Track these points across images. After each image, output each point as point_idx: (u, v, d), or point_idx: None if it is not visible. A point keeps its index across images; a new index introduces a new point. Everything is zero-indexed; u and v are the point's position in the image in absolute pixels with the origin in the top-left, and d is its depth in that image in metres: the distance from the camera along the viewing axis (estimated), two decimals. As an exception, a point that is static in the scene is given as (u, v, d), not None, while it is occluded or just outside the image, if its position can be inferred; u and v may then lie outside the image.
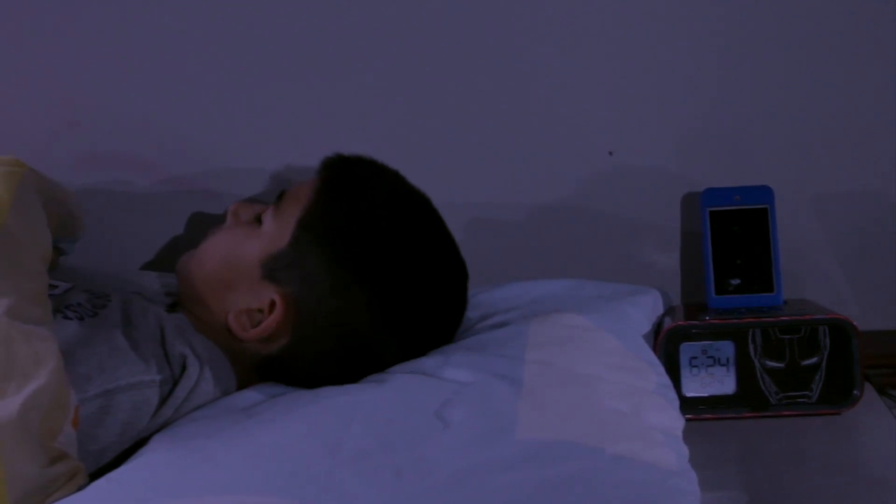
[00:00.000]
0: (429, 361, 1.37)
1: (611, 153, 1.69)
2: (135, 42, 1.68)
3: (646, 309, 1.56)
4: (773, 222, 1.61)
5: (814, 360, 1.51)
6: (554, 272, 1.65)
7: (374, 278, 1.37)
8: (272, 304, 1.38)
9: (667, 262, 1.72)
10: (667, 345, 1.51)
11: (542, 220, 1.73)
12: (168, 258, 1.73)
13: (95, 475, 1.17)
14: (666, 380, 1.38)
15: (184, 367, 1.31)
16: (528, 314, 1.49)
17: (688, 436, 1.27)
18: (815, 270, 1.70)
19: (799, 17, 1.65)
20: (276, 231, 1.39)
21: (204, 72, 1.69)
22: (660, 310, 1.60)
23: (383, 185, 1.43)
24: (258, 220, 1.43)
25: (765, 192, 1.62)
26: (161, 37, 1.68)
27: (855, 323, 1.50)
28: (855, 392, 1.49)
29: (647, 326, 1.53)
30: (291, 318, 1.37)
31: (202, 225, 1.71)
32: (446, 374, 1.33)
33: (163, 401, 1.27)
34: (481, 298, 1.56)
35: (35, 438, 1.12)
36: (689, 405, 1.48)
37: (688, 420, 1.32)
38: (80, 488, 1.14)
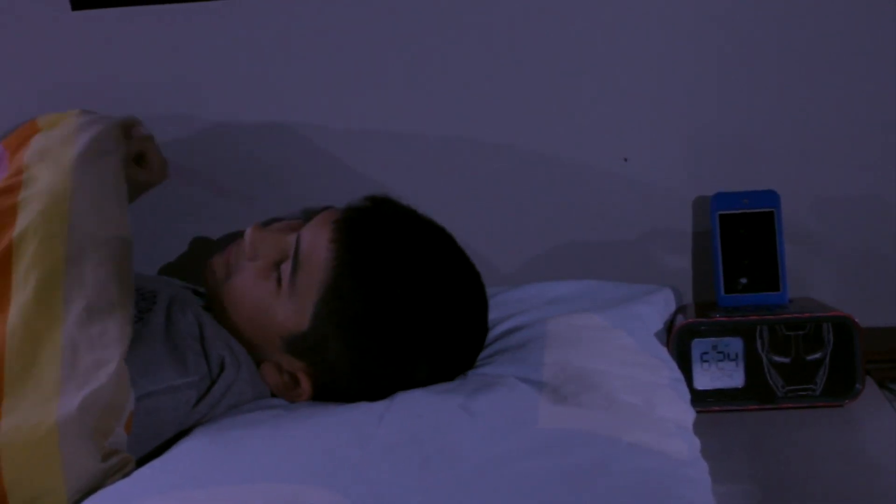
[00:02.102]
0: None
1: (626, 160, 1.69)
2: (156, 47, 1.68)
3: (658, 307, 1.57)
4: (779, 225, 1.61)
5: (818, 355, 1.51)
6: (571, 272, 1.67)
7: (398, 362, 1.33)
8: (297, 377, 1.36)
9: (678, 263, 1.71)
10: (679, 341, 1.52)
11: (560, 223, 1.72)
12: (189, 259, 1.74)
13: (137, 464, 1.20)
14: (678, 374, 1.40)
15: (222, 368, 1.32)
16: (545, 315, 1.49)
17: (699, 427, 1.28)
18: (818, 270, 1.69)
19: (802, 34, 1.64)
20: (295, 311, 1.33)
21: (219, 73, 1.69)
22: (672, 308, 1.61)
23: (400, 250, 1.34)
24: (276, 270, 1.36)
25: (771, 197, 1.62)
26: (187, 44, 1.68)
27: (857, 320, 1.50)
28: (857, 385, 1.50)
29: (659, 324, 1.55)
30: (318, 387, 1.36)
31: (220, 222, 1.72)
32: (471, 374, 1.36)
33: (200, 398, 1.29)
34: (501, 299, 1.56)
35: (91, 435, 1.14)
36: (699, 398, 1.49)
37: (699, 412, 1.33)
38: (125, 475, 1.16)
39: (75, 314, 1.23)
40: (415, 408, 1.26)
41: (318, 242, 1.34)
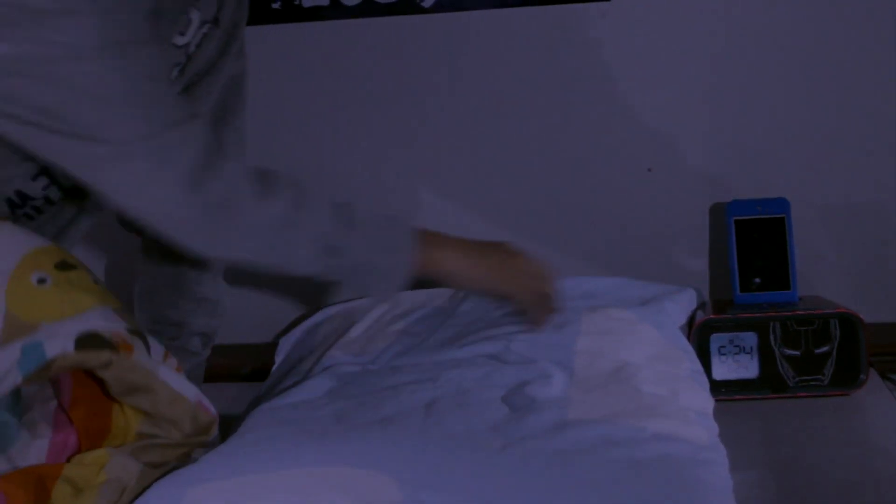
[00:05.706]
0: (492, 346, 1.44)
1: (650, 170, 1.76)
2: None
3: (683, 305, 1.62)
4: (790, 229, 1.65)
5: (826, 348, 1.55)
6: (599, 272, 1.71)
7: None
8: None
9: (697, 264, 1.77)
10: (699, 335, 1.55)
11: (591, 226, 1.79)
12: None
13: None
14: (698, 366, 1.46)
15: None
16: (580, 305, 1.53)
17: (716, 415, 1.33)
18: (826, 271, 1.74)
19: (812, 56, 1.69)
20: None
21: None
22: (694, 305, 1.65)
23: None
24: None
25: (782, 204, 1.66)
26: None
27: (861, 316, 1.54)
28: (861, 376, 1.53)
29: (683, 319, 1.60)
30: None
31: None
32: (510, 358, 1.41)
33: None
34: None
35: None
36: (717, 388, 1.51)
37: (716, 401, 1.38)
38: None
39: None
40: (458, 398, 1.32)
41: None
